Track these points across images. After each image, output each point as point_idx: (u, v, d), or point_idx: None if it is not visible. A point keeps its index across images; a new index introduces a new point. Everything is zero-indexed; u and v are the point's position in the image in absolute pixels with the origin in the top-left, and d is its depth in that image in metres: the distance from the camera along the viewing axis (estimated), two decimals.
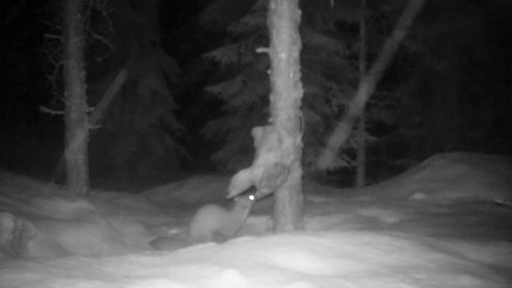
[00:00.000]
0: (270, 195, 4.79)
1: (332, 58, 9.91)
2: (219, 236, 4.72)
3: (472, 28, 10.65)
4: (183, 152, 15.48)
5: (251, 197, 4.82)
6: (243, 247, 3.34)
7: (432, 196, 6.37)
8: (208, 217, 4.79)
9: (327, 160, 9.44)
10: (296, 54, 4.72)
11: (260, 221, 5.69)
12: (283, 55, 4.67)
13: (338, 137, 9.65)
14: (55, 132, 7.45)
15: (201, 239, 4.54)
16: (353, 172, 10.72)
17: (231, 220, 4.83)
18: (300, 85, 4.76)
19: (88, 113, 6.76)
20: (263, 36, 8.65)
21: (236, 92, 10.40)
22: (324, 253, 3.24)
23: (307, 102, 8.39)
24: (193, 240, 4.61)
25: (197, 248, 3.58)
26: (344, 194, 7.68)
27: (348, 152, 10.18)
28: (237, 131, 11.03)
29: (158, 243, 4.94)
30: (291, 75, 4.69)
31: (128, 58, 14.00)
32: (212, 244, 3.77)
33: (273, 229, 4.90)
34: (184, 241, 4.71)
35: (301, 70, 4.79)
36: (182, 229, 5.62)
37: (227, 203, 4.94)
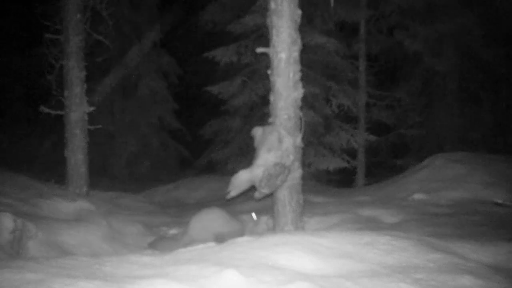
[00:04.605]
0: (270, 195, 4.79)
1: (332, 58, 9.90)
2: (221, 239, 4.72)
3: (472, 28, 10.64)
4: (183, 152, 15.47)
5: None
6: (243, 247, 3.34)
7: (432, 196, 6.36)
8: (211, 221, 4.75)
9: None
10: (296, 54, 4.72)
11: (260, 221, 5.69)
12: (283, 55, 4.67)
13: None
14: (55, 132, 7.45)
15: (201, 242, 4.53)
16: (353, 172, 10.70)
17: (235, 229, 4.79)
18: (300, 85, 4.76)
19: (88, 113, 6.76)
20: (263, 36, 8.64)
21: (236, 92, 10.39)
22: (324, 253, 3.23)
23: (307, 102, 8.38)
24: (191, 241, 4.60)
25: (197, 248, 3.58)
26: (344, 194, 7.67)
27: (348, 152, 10.17)
28: (237, 131, 11.02)
29: (158, 244, 4.94)
30: (291, 75, 4.69)
31: (127, 58, 14.00)
32: (212, 244, 3.76)
33: (273, 229, 4.90)
34: (183, 241, 4.70)
35: (301, 70, 4.79)
36: (182, 229, 5.61)
37: (228, 203, 4.93)
